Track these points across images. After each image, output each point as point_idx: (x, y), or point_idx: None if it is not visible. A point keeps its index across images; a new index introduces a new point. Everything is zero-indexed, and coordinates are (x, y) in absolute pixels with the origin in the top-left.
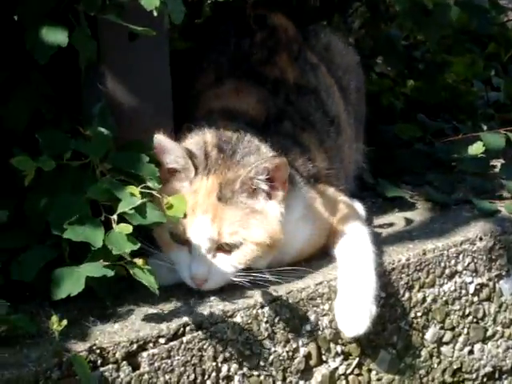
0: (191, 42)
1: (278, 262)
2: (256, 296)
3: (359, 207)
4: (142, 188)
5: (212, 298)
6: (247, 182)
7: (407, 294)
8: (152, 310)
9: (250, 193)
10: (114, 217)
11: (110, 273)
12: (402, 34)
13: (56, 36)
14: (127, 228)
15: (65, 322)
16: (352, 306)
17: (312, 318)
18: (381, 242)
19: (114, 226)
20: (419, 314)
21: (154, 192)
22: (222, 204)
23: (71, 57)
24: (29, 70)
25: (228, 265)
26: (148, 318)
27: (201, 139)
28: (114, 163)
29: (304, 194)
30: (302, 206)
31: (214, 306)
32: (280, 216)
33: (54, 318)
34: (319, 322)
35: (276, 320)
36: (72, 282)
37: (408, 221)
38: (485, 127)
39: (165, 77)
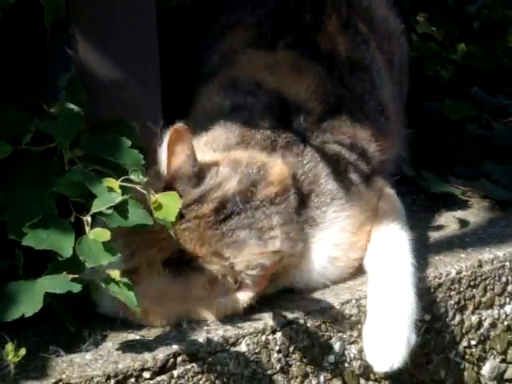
0: None
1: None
2: (266, 318)
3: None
4: (122, 181)
5: (209, 322)
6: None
7: (458, 317)
8: (133, 336)
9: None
10: (88, 218)
11: (77, 288)
12: None
13: None
14: (104, 234)
15: (23, 352)
16: (384, 334)
17: (337, 346)
18: (424, 251)
19: (86, 229)
20: (474, 343)
21: (137, 187)
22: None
23: (33, 14)
24: None
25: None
26: (128, 346)
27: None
28: (87, 149)
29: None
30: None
31: (212, 331)
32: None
33: (9, 347)
34: (346, 352)
35: (291, 349)
36: (27, 299)
37: (459, 223)
38: None
39: (151, 40)
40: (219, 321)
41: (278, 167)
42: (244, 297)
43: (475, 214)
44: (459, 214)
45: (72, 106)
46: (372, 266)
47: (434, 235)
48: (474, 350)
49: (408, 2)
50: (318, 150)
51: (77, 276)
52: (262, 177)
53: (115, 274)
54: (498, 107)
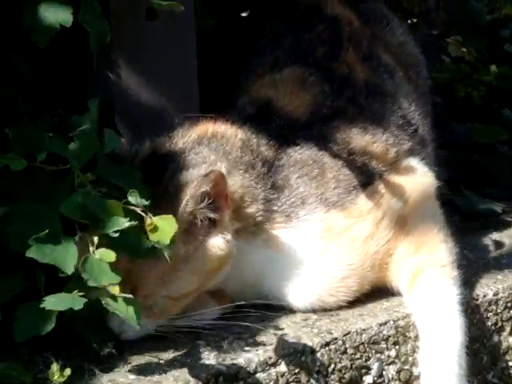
0: (218, 20)
1: None
2: (304, 339)
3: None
4: (125, 204)
5: (249, 341)
6: (185, 220)
7: (496, 338)
8: (174, 355)
9: (184, 236)
10: (94, 239)
11: (79, 305)
12: (484, 7)
13: (58, 14)
14: (109, 255)
15: (68, 372)
16: None
17: (375, 367)
18: (461, 272)
19: (91, 249)
20: (511, 364)
21: (137, 209)
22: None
23: (64, 38)
24: (9, 49)
25: (146, 321)
26: (170, 366)
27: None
28: (102, 174)
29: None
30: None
31: (252, 351)
32: (224, 246)
33: (55, 367)
34: (384, 373)
35: (330, 369)
36: (40, 318)
37: (495, 244)
38: None
39: (191, 63)
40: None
41: None
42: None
43: (510, 235)
44: (496, 235)
45: (91, 132)
46: (419, 319)
47: (471, 256)
48: (511, 371)
49: (441, 24)
50: (293, 153)
51: (81, 293)
52: None
53: (115, 289)
54: None
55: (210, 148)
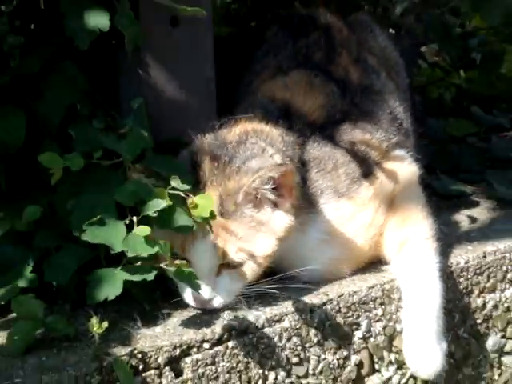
0: (233, 27)
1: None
2: (305, 299)
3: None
4: (170, 189)
5: (259, 302)
6: (251, 192)
7: (466, 300)
8: (195, 313)
9: (254, 203)
10: (134, 219)
11: (151, 276)
12: (456, 21)
13: (97, 20)
14: (145, 230)
15: (105, 325)
16: (425, 348)
17: (364, 323)
18: (438, 245)
19: (135, 229)
20: (479, 322)
21: (180, 192)
22: (224, 219)
23: (106, 47)
24: (64, 62)
25: (234, 282)
26: (191, 322)
27: (190, 148)
28: (149, 165)
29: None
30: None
31: (260, 310)
32: (288, 225)
33: (94, 320)
34: (372, 329)
35: (326, 325)
36: (110, 285)
37: (467, 221)
38: None
39: (209, 65)
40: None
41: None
42: (282, 211)
43: (480, 212)
44: (467, 212)
45: (138, 128)
46: (404, 283)
47: (445, 231)
48: (479, 327)
49: (419, 34)
50: (312, 150)
51: (153, 265)
52: None
53: (184, 264)
54: (495, 123)
55: (263, 141)
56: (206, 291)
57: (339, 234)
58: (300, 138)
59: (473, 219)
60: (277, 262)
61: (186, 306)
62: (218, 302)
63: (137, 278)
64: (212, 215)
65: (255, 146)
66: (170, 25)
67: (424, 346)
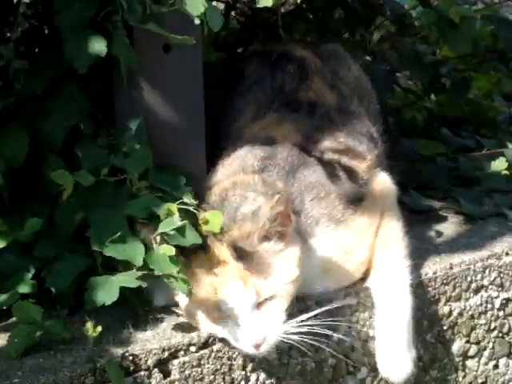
0: (222, 52)
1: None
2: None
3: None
4: (179, 204)
5: None
6: (263, 233)
7: (433, 308)
8: (182, 319)
9: (265, 240)
10: (157, 237)
11: (145, 284)
12: (427, 49)
13: (95, 45)
14: (170, 250)
15: (99, 329)
16: (395, 356)
17: (340, 328)
18: (408, 256)
19: (154, 246)
20: (445, 328)
21: (190, 208)
22: (243, 264)
23: (104, 70)
24: (67, 85)
25: (276, 313)
26: (179, 327)
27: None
28: (153, 181)
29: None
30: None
31: None
32: (297, 247)
33: (89, 325)
34: (347, 334)
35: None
36: (106, 291)
37: (435, 234)
38: (510, 145)
39: (198, 88)
40: None
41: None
42: (288, 237)
43: (447, 227)
44: (435, 227)
45: (142, 147)
46: (378, 297)
47: (415, 243)
48: (445, 333)
49: (393, 61)
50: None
51: (147, 273)
52: None
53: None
54: (462, 144)
55: (242, 191)
56: (258, 333)
57: (336, 264)
58: (283, 173)
59: (440, 233)
60: None
61: (174, 311)
62: (269, 342)
63: (133, 284)
64: (221, 231)
65: (236, 198)
66: (163, 51)
67: (395, 354)
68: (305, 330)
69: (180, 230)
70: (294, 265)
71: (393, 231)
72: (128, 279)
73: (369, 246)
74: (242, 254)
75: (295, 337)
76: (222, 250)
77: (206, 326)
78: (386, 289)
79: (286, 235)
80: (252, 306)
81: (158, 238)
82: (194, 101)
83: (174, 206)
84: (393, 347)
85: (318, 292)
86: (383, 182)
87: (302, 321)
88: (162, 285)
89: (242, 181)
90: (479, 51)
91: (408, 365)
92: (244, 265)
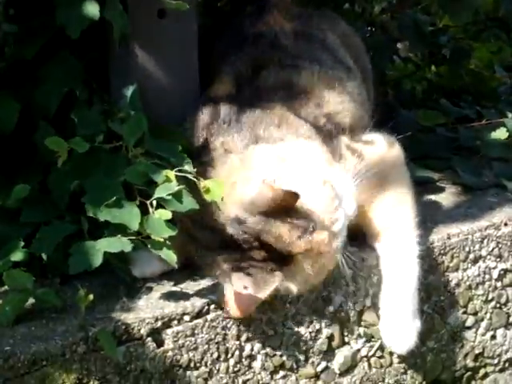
0: (207, 18)
1: None
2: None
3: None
4: (177, 171)
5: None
6: None
7: (431, 278)
8: (176, 288)
9: None
10: (153, 201)
11: (128, 247)
12: (428, 19)
13: (88, 9)
14: (166, 214)
15: (91, 297)
16: (400, 326)
17: (336, 299)
18: None
19: (150, 210)
20: (442, 298)
21: (189, 175)
22: None
23: (97, 36)
24: (60, 50)
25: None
26: (172, 296)
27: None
28: (149, 148)
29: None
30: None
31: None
32: None
33: (81, 293)
34: (343, 304)
35: (300, 300)
36: (90, 256)
37: (433, 204)
38: (509, 114)
39: (193, 54)
40: None
41: None
42: None
43: (446, 197)
44: (433, 197)
45: (137, 113)
46: (385, 265)
47: None
48: (442, 303)
49: (393, 31)
50: None
51: (131, 238)
52: None
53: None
54: (462, 115)
55: None
56: None
57: None
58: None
59: (438, 204)
60: None
61: (171, 279)
62: None
63: (115, 249)
64: (222, 199)
65: None
66: (158, 16)
67: (399, 324)
68: None
69: (177, 196)
70: None
71: (403, 193)
72: (111, 243)
73: None
74: None
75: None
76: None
77: None
78: (393, 258)
79: None
80: None
81: (155, 202)
82: (189, 66)
83: (171, 173)
84: (397, 317)
85: None
86: (391, 144)
87: None
88: (143, 256)
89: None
90: (480, 19)
91: (412, 336)
92: None
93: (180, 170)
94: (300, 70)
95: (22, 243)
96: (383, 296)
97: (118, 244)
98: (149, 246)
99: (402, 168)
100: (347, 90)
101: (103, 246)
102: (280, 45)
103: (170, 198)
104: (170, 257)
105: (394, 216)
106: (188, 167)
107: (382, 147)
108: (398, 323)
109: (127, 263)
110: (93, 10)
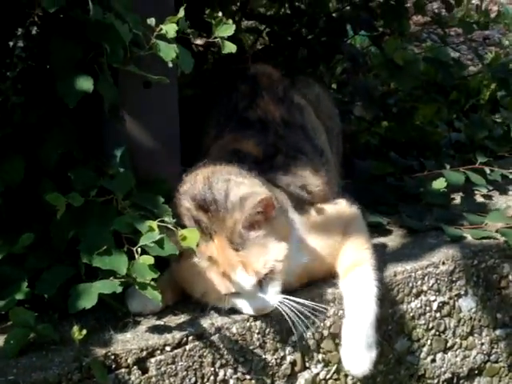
0: (197, 89)
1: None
2: (250, 311)
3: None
4: (159, 222)
5: (212, 312)
6: (247, 224)
7: (380, 310)
8: (159, 322)
9: (254, 227)
10: (138, 249)
11: (119, 289)
12: (378, 83)
13: (83, 84)
14: (149, 259)
15: (84, 332)
16: (360, 351)
17: (298, 330)
18: None
19: (136, 256)
20: (390, 328)
21: (169, 225)
22: (241, 252)
23: (92, 105)
24: (60, 117)
25: (273, 286)
26: (156, 329)
27: (182, 208)
28: (135, 201)
29: (295, 223)
30: (294, 235)
31: (213, 319)
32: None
33: (76, 328)
34: (304, 334)
35: (266, 331)
36: (86, 297)
37: (382, 246)
38: (447, 166)
39: (175, 119)
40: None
41: None
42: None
43: (393, 239)
44: (382, 239)
45: (126, 170)
46: (347, 300)
47: None
48: (390, 332)
49: (349, 93)
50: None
51: (123, 280)
52: None
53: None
54: (408, 166)
55: (226, 175)
56: (261, 305)
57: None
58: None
59: (386, 245)
60: None
61: (155, 315)
62: (268, 310)
63: (108, 290)
64: (197, 245)
65: (222, 185)
66: (144, 87)
67: (356, 352)
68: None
69: (159, 243)
70: (283, 242)
71: (364, 237)
72: (104, 285)
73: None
74: (238, 243)
75: (286, 308)
76: (221, 242)
77: (219, 302)
78: (354, 296)
79: (269, 219)
80: (254, 286)
81: (139, 249)
82: (171, 131)
83: (154, 223)
84: (355, 346)
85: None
86: (346, 200)
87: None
88: (137, 294)
89: (221, 169)
90: (421, 84)
91: (367, 363)
92: (242, 252)
93: (162, 221)
94: (296, 161)
95: (26, 284)
96: (345, 327)
97: (110, 286)
98: (137, 287)
99: (359, 221)
100: (321, 175)
101: (98, 288)
102: (280, 135)
103: (153, 245)
104: (155, 296)
105: (355, 259)
106: (168, 218)
107: (342, 206)
108: (355, 352)
109: (119, 301)
110: (87, 83)
